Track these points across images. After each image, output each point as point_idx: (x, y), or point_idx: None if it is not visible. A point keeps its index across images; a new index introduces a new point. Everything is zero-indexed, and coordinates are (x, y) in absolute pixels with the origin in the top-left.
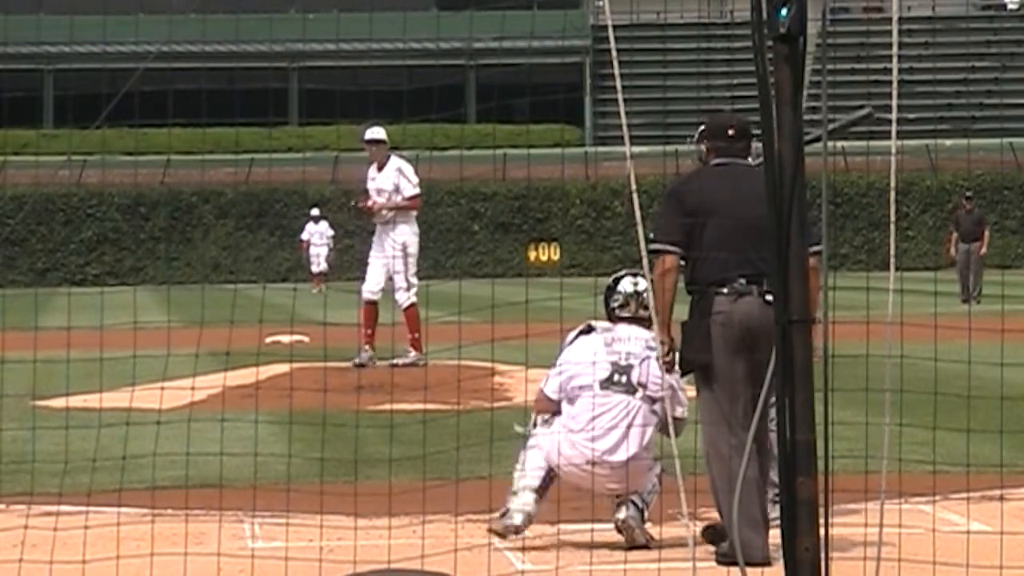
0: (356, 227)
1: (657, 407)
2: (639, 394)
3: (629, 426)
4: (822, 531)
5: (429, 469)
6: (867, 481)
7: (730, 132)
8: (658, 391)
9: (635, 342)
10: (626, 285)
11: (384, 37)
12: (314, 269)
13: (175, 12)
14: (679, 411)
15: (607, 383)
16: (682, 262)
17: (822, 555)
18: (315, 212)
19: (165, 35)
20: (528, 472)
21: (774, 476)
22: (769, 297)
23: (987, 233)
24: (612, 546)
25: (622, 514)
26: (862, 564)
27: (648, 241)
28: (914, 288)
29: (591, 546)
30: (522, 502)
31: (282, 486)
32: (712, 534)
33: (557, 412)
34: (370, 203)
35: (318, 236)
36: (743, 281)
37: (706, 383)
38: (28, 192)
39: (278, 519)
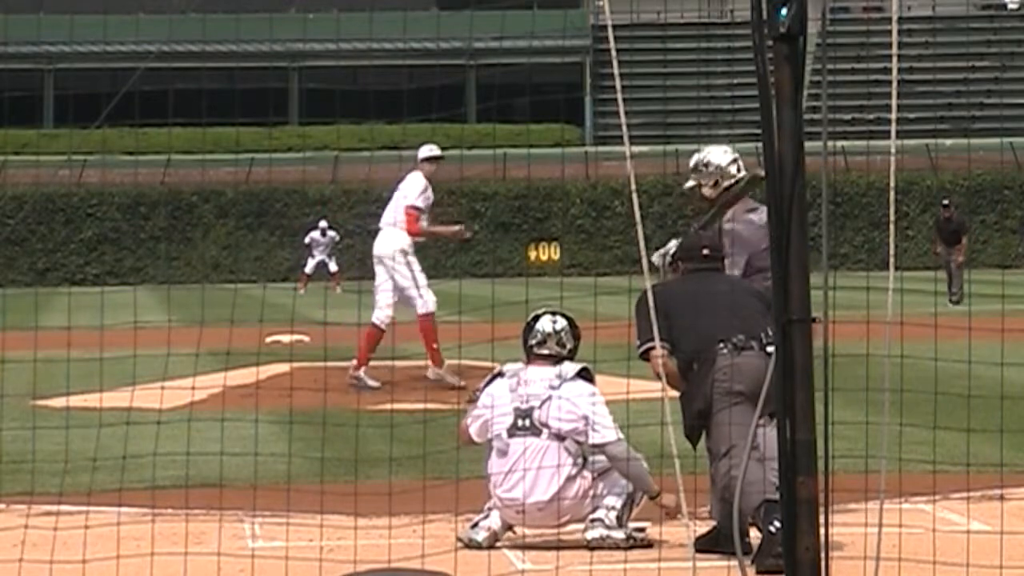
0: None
1: (574, 440)
2: (544, 434)
3: (542, 468)
4: (822, 531)
5: (429, 468)
6: (867, 481)
7: (704, 252)
8: (562, 427)
9: (539, 384)
10: (544, 324)
11: (384, 37)
12: (307, 270)
13: (175, 12)
14: (598, 438)
15: (512, 430)
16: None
17: (822, 555)
18: (323, 224)
19: (165, 35)
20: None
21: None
22: (770, 349)
23: (965, 240)
24: (612, 546)
25: (589, 535)
26: (862, 564)
27: (637, 347)
28: (914, 288)
29: (591, 546)
30: (490, 520)
31: (282, 486)
32: (704, 543)
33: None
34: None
35: (322, 247)
36: (742, 337)
37: (716, 437)
38: (28, 192)
39: (278, 519)
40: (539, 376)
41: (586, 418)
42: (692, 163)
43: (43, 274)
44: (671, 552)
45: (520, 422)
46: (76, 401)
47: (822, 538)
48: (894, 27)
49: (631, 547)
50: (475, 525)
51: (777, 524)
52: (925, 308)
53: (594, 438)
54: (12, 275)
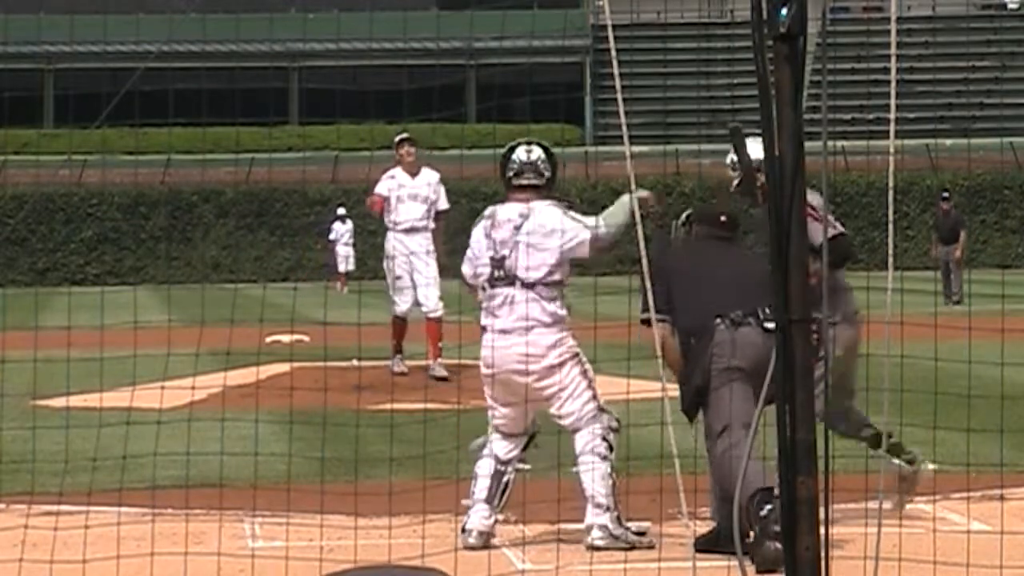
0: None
1: (544, 286)
2: (518, 284)
3: (517, 311)
4: (822, 530)
5: (429, 468)
6: (867, 481)
7: (722, 219)
8: (529, 276)
9: (507, 227)
10: (520, 153)
11: (384, 37)
12: (340, 268)
13: (175, 12)
14: (579, 249)
15: (492, 280)
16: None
17: (822, 554)
18: (341, 211)
19: (165, 35)
20: (478, 481)
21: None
22: (769, 325)
23: (964, 236)
24: (612, 546)
25: (588, 539)
26: (862, 563)
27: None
28: (914, 288)
29: (591, 545)
30: (479, 519)
31: (282, 486)
32: (704, 543)
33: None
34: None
35: (347, 235)
36: (740, 313)
37: (714, 413)
38: (28, 191)
39: (278, 519)
40: (510, 215)
41: (559, 248)
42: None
43: (43, 274)
44: (671, 552)
45: (496, 272)
46: (76, 401)
47: (822, 537)
48: (893, 27)
49: (632, 548)
50: (463, 529)
51: (768, 507)
52: (925, 308)
53: (577, 251)
54: (12, 275)
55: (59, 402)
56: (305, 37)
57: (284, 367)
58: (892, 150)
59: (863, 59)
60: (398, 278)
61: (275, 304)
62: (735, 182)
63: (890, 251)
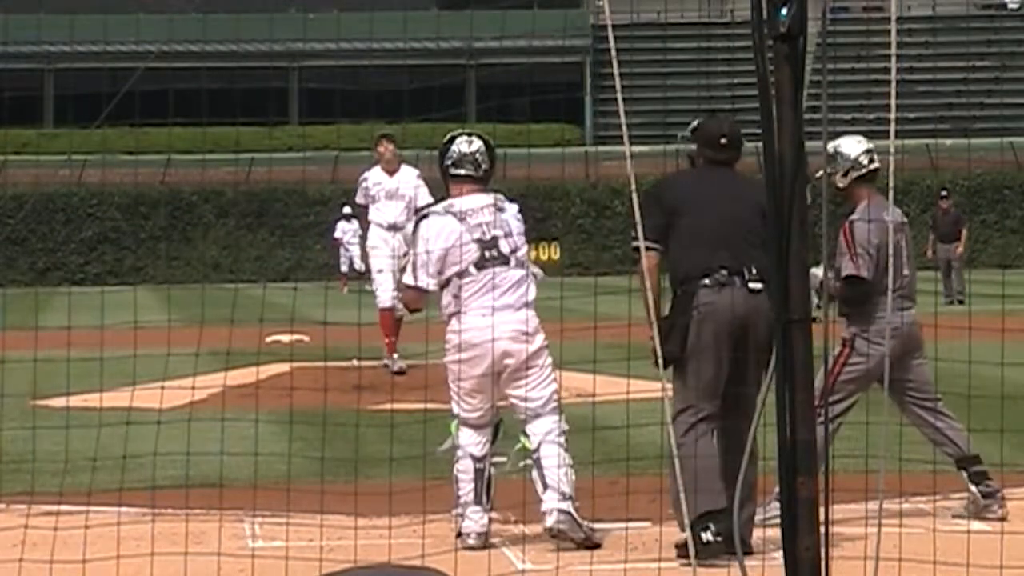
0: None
1: (534, 268)
2: (513, 262)
3: (516, 289)
4: (822, 530)
5: (429, 468)
6: (867, 480)
7: (722, 141)
8: (522, 256)
9: (486, 212)
10: (461, 144)
11: (384, 36)
12: (344, 269)
13: (175, 11)
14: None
15: (481, 262)
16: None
17: (822, 554)
18: (347, 210)
19: (165, 34)
20: (462, 484)
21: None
22: (753, 286)
23: (965, 233)
24: (612, 545)
25: (549, 522)
26: (862, 563)
27: (631, 239)
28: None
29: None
30: (474, 521)
31: (282, 485)
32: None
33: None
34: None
35: (351, 234)
36: (725, 272)
37: (680, 378)
38: (28, 191)
39: (278, 519)
40: (479, 203)
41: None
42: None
43: (43, 274)
44: (671, 552)
45: (487, 253)
46: (76, 401)
47: (822, 537)
48: (892, 27)
49: (587, 540)
50: (459, 534)
51: (710, 537)
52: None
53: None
54: (12, 275)
55: (59, 402)
56: (305, 37)
57: (284, 367)
58: (892, 150)
59: (863, 59)
60: (379, 271)
61: (275, 304)
62: None
63: (889, 251)
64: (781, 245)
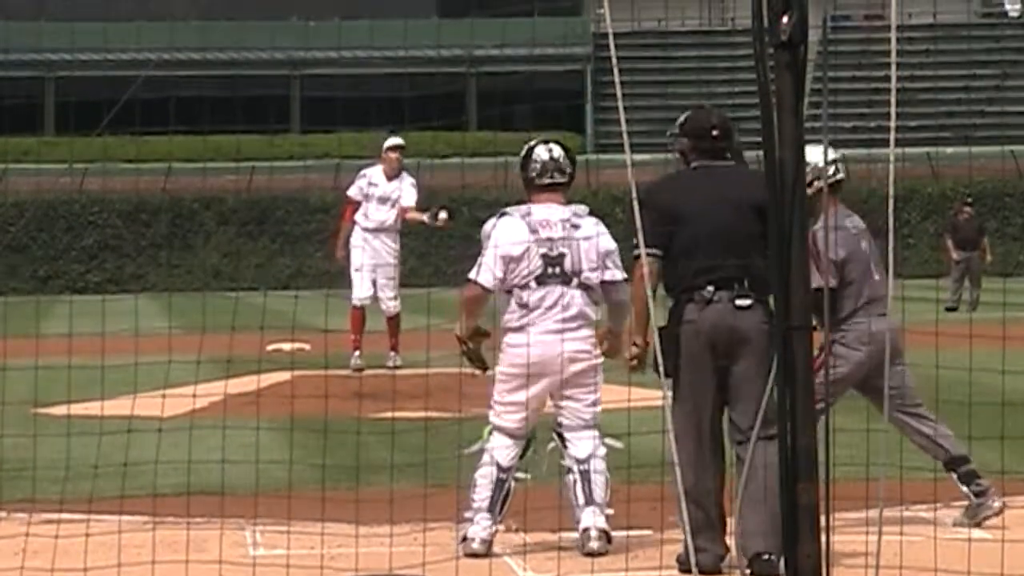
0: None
1: (593, 293)
2: (574, 282)
3: (577, 313)
4: (823, 538)
5: (430, 476)
6: (868, 488)
7: (714, 132)
8: (591, 277)
9: (557, 226)
10: (541, 152)
11: (385, 45)
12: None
13: (176, 19)
14: (609, 275)
15: (543, 278)
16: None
17: (823, 562)
18: None
19: (166, 42)
20: (479, 489)
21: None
22: (740, 302)
23: (986, 241)
24: (613, 553)
25: (593, 545)
26: (863, 571)
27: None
28: (915, 296)
29: (594, 550)
30: (480, 528)
31: (283, 493)
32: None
33: (484, 334)
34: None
35: None
36: (711, 289)
37: (675, 392)
38: (29, 199)
39: (279, 526)
40: (554, 216)
41: (605, 254)
42: None
43: (44, 281)
44: (672, 560)
45: (550, 270)
46: (77, 409)
47: (823, 545)
48: (893, 35)
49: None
50: (464, 539)
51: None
52: (926, 316)
53: (607, 275)
54: (13, 283)
55: (60, 410)
56: (306, 45)
57: (285, 375)
58: (892, 158)
59: (864, 67)
60: (356, 270)
61: (276, 312)
62: None
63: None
64: (782, 253)
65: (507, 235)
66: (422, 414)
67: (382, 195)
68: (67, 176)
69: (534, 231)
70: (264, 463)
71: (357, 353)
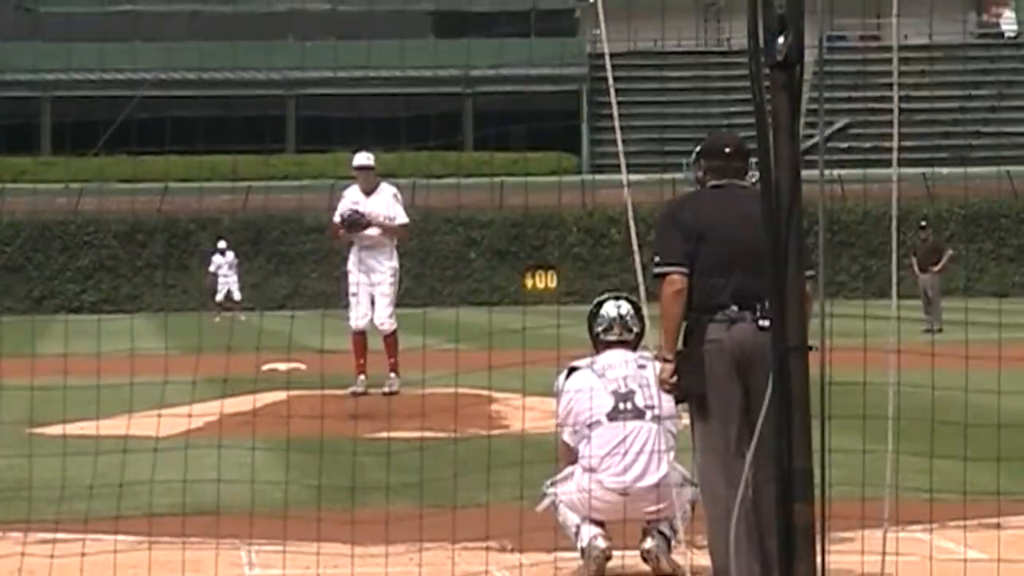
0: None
1: (669, 424)
2: (648, 416)
3: (651, 452)
4: (819, 559)
5: (427, 496)
6: (864, 508)
7: (727, 150)
8: (664, 408)
9: (626, 365)
10: (609, 309)
11: (381, 65)
12: (218, 298)
13: (172, 39)
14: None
15: (614, 414)
16: None
17: None
18: (222, 245)
19: (162, 62)
20: (569, 524)
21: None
22: (763, 323)
23: (944, 257)
24: (614, 567)
25: (648, 544)
26: None
27: (655, 265)
28: (912, 316)
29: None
30: (594, 536)
31: (279, 513)
32: None
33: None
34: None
35: (226, 267)
36: (735, 308)
37: (700, 413)
38: (25, 219)
39: (275, 546)
40: (620, 359)
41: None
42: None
43: (40, 302)
44: None
45: (621, 405)
46: (73, 429)
47: (819, 566)
48: (895, 55)
49: (671, 574)
50: (582, 551)
51: None
52: (923, 337)
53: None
54: (9, 303)
55: (56, 430)
56: (302, 65)
57: (281, 395)
58: (896, 178)
59: (860, 87)
60: (353, 294)
61: (272, 332)
62: None
63: (894, 280)
64: (778, 272)
65: (576, 387)
66: (418, 434)
67: (366, 212)
68: (63, 196)
69: (601, 375)
70: (260, 483)
71: (362, 377)
